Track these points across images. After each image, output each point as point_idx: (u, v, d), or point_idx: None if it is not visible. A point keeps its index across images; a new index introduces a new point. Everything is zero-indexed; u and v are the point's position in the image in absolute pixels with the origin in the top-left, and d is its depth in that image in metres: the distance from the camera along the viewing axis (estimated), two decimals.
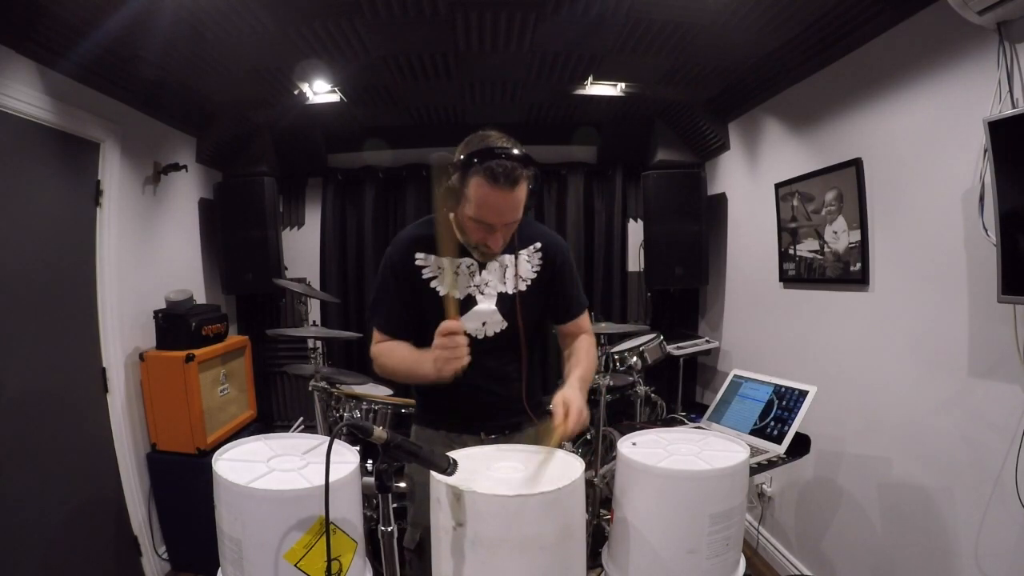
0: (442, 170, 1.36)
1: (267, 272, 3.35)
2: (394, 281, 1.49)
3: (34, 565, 2.05)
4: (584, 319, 1.63)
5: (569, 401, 1.30)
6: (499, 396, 1.52)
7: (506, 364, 1.52)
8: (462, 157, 1.32)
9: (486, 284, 1.47)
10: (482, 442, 1.46)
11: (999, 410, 1.63)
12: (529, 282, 1.51)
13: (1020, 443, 1.54)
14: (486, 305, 1.46)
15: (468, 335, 1.38)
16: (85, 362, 2.43)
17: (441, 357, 1.25)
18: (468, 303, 1.46)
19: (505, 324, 1.47)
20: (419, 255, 1.48)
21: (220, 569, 1.07)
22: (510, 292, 1.48)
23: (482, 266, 1.48)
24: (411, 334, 1.49)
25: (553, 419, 1.29)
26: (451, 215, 1.45)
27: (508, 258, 1.50)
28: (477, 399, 1.49)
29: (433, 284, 1.47)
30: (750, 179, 3.10)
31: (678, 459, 1.24)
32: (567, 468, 1.14)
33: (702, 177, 3.44)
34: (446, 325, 1.25)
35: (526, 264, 1.52)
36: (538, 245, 1.54)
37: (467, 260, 1.48)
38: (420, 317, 1.48)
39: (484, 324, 1.47)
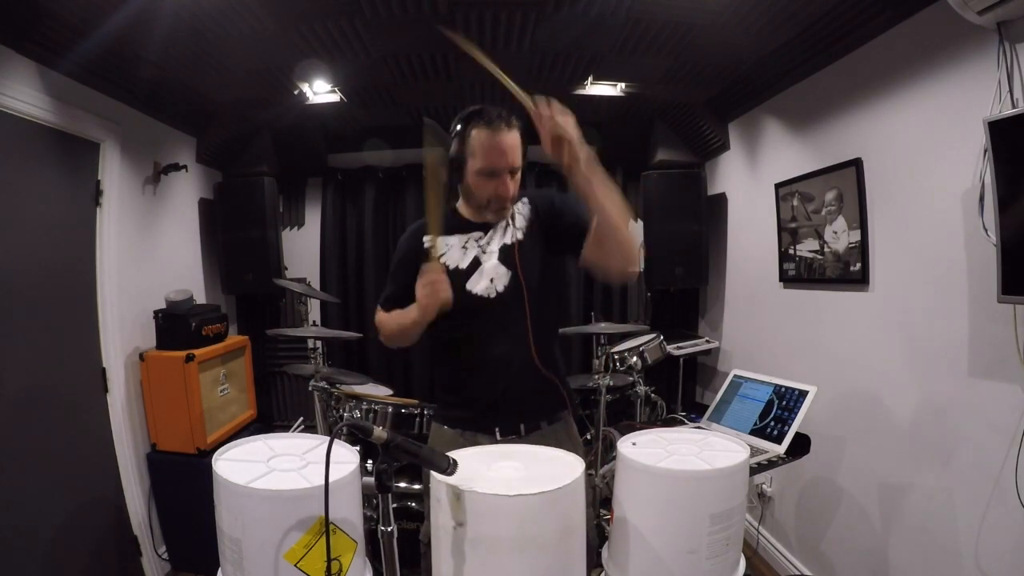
0: (434, 134, 1.52)
1: (267, 272, 3.35)
2: (402, 269, 1.61)
3: (34, 565, 2.05)
4: None
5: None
6: (514, 365, 1.52)
7: (520, 321, 1.52)
8: (459, 126, 1.49)
9: (488, 243, 1.57)
10: (497, 442, 1.47)
11: (999, 410, 1.63)
12: (523, 231, 1.57)
13: (1020, 443, 1.54)
14: (490, 261, 1.54)
15: (480, 297, 1.52)
16: (85, 362, 2.43)
17: (423, 290, 1.40)
18: (475, 265, 1.55)
19: (510, 274, 1.53)
20: (427, 238, 1.58)
21: (220, 569, 1.07)
22: (509, 242, 1.55)
23: (485, 233, 1.58)
24: None
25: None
26: (458, 201, 1.61)
27: (506, 220, 1.60)
28: (495, 374, 1.51)
29: (442, 260, 1.56)
30: (750, 179, 3.10)
31: (678, 459, 1.24)
32: (567, 468, 1.14)
33: (702, 177, 3.44)
34: (425, 266, 1.41)
35: (520, 217, 1.59)
36: (525, 200, 1.63)
37: (475, 233, 1.58)
38: None
39: (492, 281, 1.53)
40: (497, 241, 1.57)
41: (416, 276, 1.54)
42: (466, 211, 1.60)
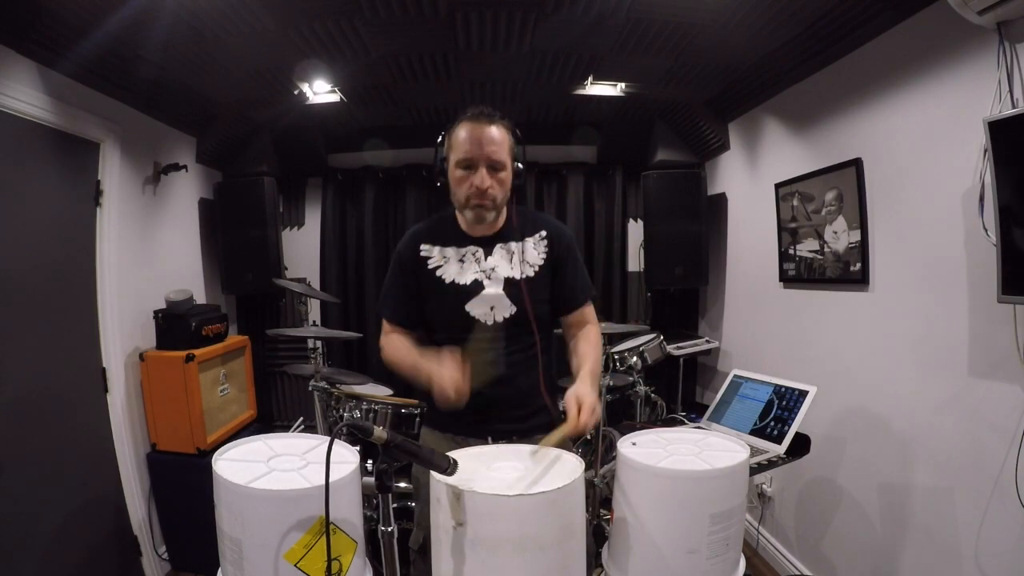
0: None
1: (267, 272, 3.35)
2: (400, 273, 1.55)
3: (34, 565, 2.05)
4: (589, 310, 1.60)
5: (582, 397, 1.30)
6: (509, 391, 1.51)
7: (516, 354, 1.51)
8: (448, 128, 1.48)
9: (493, 269, 1.51)
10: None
11: (999, 410, 1.63)
12: (536, 268, 1.53)
13: (1020, 443, 1.54)
14: (493, 289, 1.49)
15: (477, 321, 1.47)
16: (85, 362, 2.43)
17: (440, 391, 1.30)
18: (476, 288, 1.49)
19: (514, 309, 1.49)
20: (424, 246, 1.54)
21: (220, 569, 1.07)
22: (517, 277, 1.50)
23: (488, 253, 1.52)
24: (417, 324, 1.56)
25: (567, 416, 1.29)
26: (456, 211, 1.54)
27: (515, 245, 1.53)
28: (487, 395, 1.47)
29: (439, 273, 1.52)
30: (750, 179, 3.10)
31: (678, 459, 1.24)
32: (567, 468, 1.14)
33: (702, 177, 3.44)
34: (460, 389, 1.30)
35: (532, 251, 1.54)
36: (543, 233, 1.57)
37: (472, 247, 1.52)
38: (425, 305, 1.54)
39: (492, 309, 1.49)
40: (503, 269, 1.50)
41: (418, 283, 1.52)
42: (463, 223, 1.54)
